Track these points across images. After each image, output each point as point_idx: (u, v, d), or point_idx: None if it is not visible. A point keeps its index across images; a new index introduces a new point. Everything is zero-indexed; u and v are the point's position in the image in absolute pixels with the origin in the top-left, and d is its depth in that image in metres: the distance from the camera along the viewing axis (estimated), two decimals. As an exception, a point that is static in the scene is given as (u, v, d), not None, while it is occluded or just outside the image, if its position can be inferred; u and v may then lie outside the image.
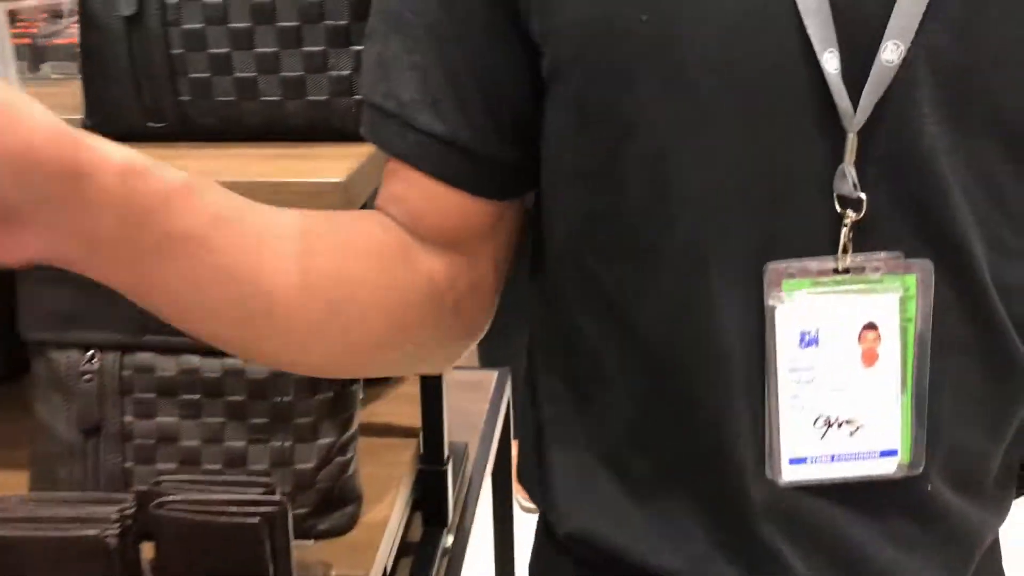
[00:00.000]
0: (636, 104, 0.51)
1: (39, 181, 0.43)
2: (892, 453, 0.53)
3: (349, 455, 0.85)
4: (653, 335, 0.55)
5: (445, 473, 1.00)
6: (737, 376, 0.54)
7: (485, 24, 0.55)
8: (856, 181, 0.49)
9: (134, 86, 0.78)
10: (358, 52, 0.76)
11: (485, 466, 1.20)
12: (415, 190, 0.58)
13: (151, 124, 0.80)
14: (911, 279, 0.50)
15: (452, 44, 0.56)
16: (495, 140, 0.57)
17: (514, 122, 0.57)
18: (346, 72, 0.77)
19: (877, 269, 0.50)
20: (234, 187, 0.68)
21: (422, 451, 1.00)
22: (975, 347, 0.54)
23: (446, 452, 1.01)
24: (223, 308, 0.54)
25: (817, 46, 0.48)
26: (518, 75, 0.56)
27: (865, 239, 0.50)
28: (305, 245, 0.56)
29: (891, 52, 0.48)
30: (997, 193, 0.51)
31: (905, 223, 0.50)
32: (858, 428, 0.53)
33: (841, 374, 0.52)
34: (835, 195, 0.50)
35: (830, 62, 0.48)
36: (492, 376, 1.32)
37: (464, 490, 1.12)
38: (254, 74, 0.77)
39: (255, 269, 0.53)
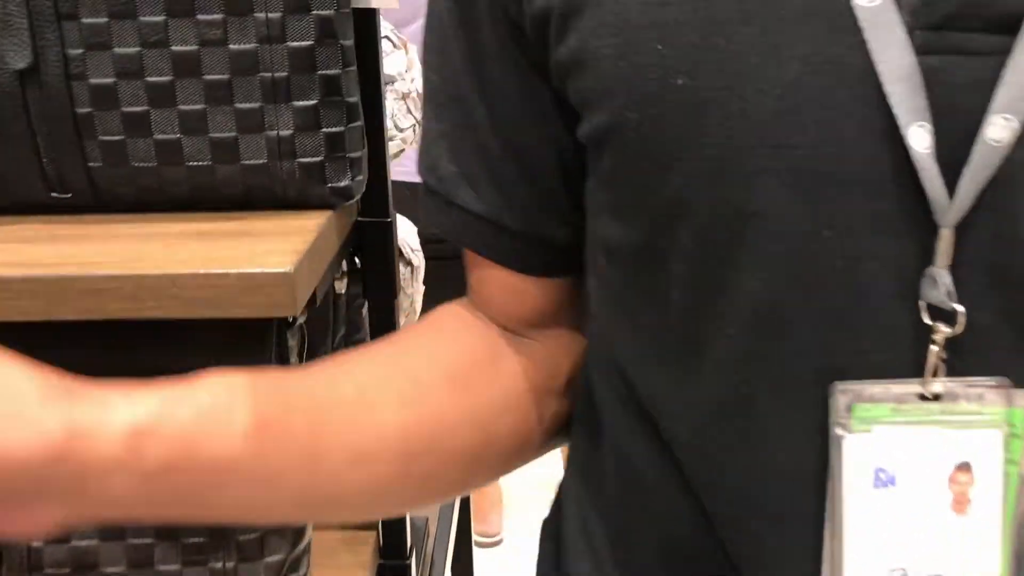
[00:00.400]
0: (676, 186, 0.42)
1: (30, 484, 0.38)
2: (983, 613, 0.44)
3: (302, 572, 0.73)
4: (694, 454, 0.46)
5: (408, 568, 0.89)
6: (794, 515, 0.44)
7: (518, 88, 0.48)
8: (951, 289, 0.39)
9: (33, 151, 0.66)
10: (301, 109, 0.65)
11: (447, 544, 1.09)
12: (475, 271, 0.54)
13: (55, 195, 0.67)
14: (1018, 413, 0.41)
15: (482, 114, 0.50)
16: (540, 217, 0.51)
17: (559, 197, 0.50)
18: (287, 132, 0.65)
19: (976, 398, 0.40)
20: (156, 281, 0.57)
21: (381, 544, 0.88)
22: None
23: (408, 543, 0.90)
24: (283, 507, 0.49)
25: (903, 118, 0.38)
26: (561, 144, 0.48)
27: (961, 360, 0.40)
28: (367, 412, 0.49)
29: (999, 129, 0.38)
30: None
31: (1012, 342, 0.41)
32: (943, 586, 0.43)
33: (925, 521, 0.42)
34: (923, 305, 0.40)
35: (920, 138, 0.38)
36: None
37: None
38: (177, 135, 0.65)
39: (313, 465, 0.47)
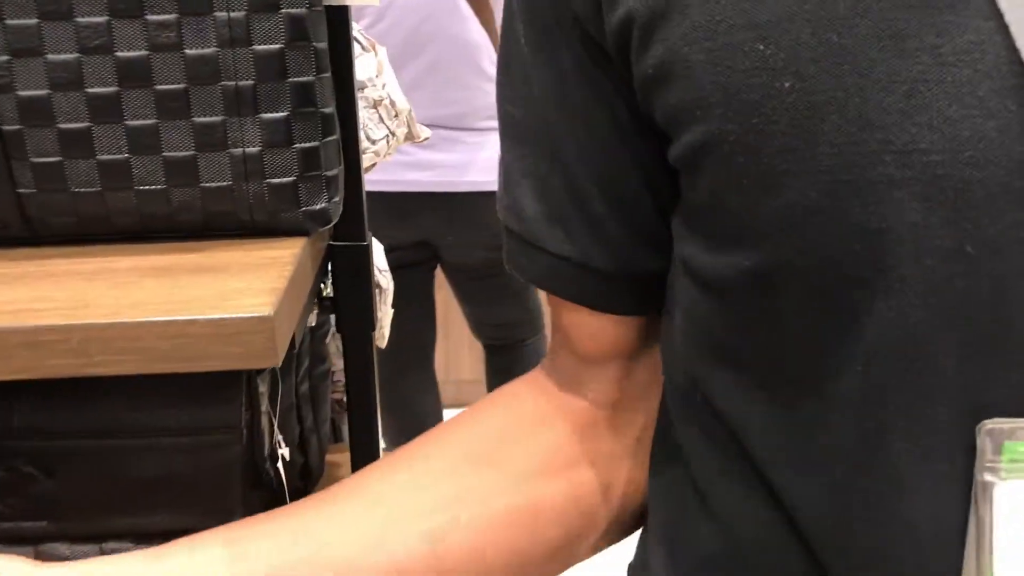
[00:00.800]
0: (789, 204, 0.36)
1: None
2: None
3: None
4: (808, 507, 0.40)
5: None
6: (932, 573, 0.38)
7: (603, 113, 0.44)
8: None
9: (-49, 176, 0.56)
10: (270, 122, 0.56)
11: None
12: (565, 315, 0.51)
13: (-21, 227, 0.58)
14: None
15: (568, 145, 0.46)
16: (633, 254, 0.47)
17: (652, 229, 0.47)
18: (254, 149, 0.57)
19: None
20: (107, 331, 0.48)
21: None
22: None
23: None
24: None
25: None
26: (652, 172, 0.44)
27: None
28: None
29: None
30: None
31: None
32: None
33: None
34: None
35: None
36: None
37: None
38: (125, 155, 0.56)
39: None
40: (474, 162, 1.77)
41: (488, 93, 1.53)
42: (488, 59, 1.75)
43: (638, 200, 0.45)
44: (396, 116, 0.73)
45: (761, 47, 0.35)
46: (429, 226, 1.83)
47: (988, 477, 0.36)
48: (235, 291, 0.51)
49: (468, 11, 1.71)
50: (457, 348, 2.78)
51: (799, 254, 0.37)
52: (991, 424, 0.36)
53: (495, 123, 0.52)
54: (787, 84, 0.35)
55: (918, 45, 0.34)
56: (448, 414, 3.14)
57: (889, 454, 0.38)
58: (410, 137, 0.75)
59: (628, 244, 0.47)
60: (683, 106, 0.38)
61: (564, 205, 0.46)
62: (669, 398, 0.48)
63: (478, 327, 2.08)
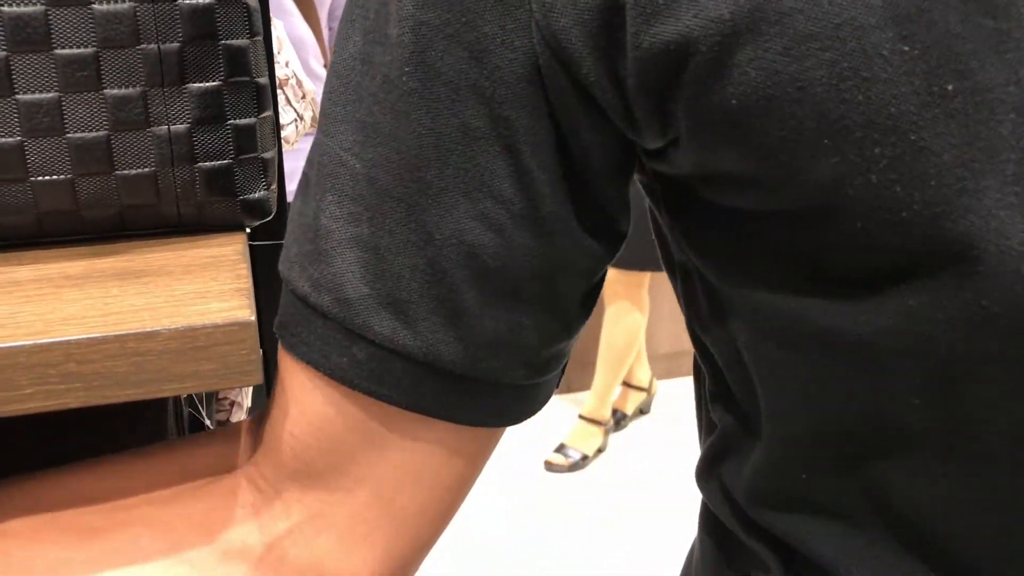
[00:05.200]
0: (962, 237, 0.30)
1: None
2: None
3: None
4: (963, 547, 0.35)
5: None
6: None
7: (552, 187, 0.36)
8: None
9: None
10: (200, 93, 0.47)
11: None
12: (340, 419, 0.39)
13: None
14: None
15: (452, 219, 0.36)
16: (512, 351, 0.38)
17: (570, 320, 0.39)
18: (181, 126, 0.47)
19: None
20: (41, 354, 0.37)
21: None
22: None
23: None
24: None
25: None
26: (592, 253, 0.37)
27: None
28: None
29: None
30: None
31: None
32: None
33: None
34: None
35: None
36: None
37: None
38: (17, 138, 0.45)
39: None
40: None
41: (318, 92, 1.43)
42: (314, 56, 1.65)
43: (557, 290, 0.37)
44: (304, 98, 0.64)
45: (906, 48, 0.29)
46: None
47: None
48: (192, 295, 0.41)
49: (292, 6, 1.61)
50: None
51: (988, 285, 0.30)
52: None
53: None
54: (949, 87, 0.29)
55: None
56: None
57: None
58: (317, 122, 0.67)
59: (506, 342, 0.38)
60: (796, 140, 0.30)
61: (420, 290, 0.36)
62: (780, 463, 0.40)
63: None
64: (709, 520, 0.45)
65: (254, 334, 0.39)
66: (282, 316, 0.40)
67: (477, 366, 0.38)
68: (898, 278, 0.31)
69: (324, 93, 0.40)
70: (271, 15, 0.69)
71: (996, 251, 0.29)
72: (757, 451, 0.39)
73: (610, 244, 0.38)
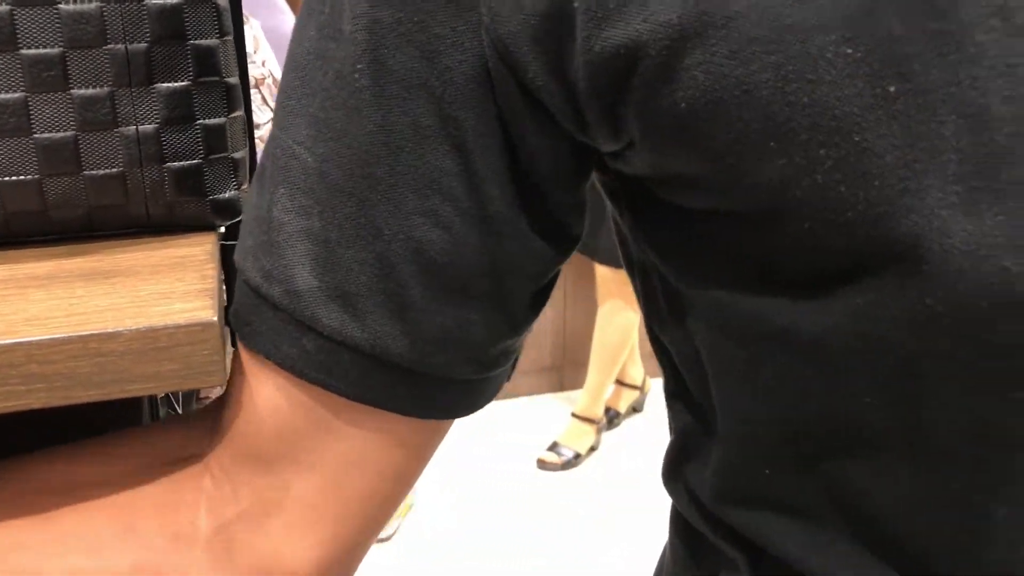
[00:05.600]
0: (910, 228, 0.30)
1: None
2: None
3: None
4: (922, 542, 0.35)
5: None
6: None
7: (499, 187, 0.36)
8: None
9: None
10: (169, 93, 0.47)
11: None
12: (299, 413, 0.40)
13: None
14: None
15: (400, 214, 0.36)
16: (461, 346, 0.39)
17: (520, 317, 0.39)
18: (149, 126, 0.47)
19: None
20: (3, 355, 0.37)
21: None
22: None
23: None
24: None
25: None
26: (542, 254, 0.38)
27: None
28: None
29: None
30: None
31: None
32: None
33: None
34: None
35: None
36: None
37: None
38: (-17, 139, 0.45)
39: None
40: None
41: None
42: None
43: (506, 289, 0.38)
44: (280, 96, 0.64)
45: (850, 50, 0.29)
46: None
47: None
48: (155, 296, 0.41)
49: (284, 4, 1.61)
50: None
51: (933, 284, 0.30)
52: None
53: None
54: (892, 89, 0.29)
55: None
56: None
57: (996, 493, 0.33)
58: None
59: (454, 337, 0.38)
60: (744, 142, 0.31)
61: (371, 283, 0.37)
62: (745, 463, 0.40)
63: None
64: (678, 521, 0.45)
65: (216, 334, 0.39)
66: (236, 305, 0.41)
67: (424, 360, 0.38)
68: (845, 278, 0.31)
69: (280, 87, 0.40)
70: (246, 13, 0.69)
71: (939, 250, 0.29)
72: (717, 451, 0.39)
73: (561, 247, 0.38)
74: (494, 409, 3.12)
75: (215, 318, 0.39)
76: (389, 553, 2.45)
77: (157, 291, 0.42)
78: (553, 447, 2.95)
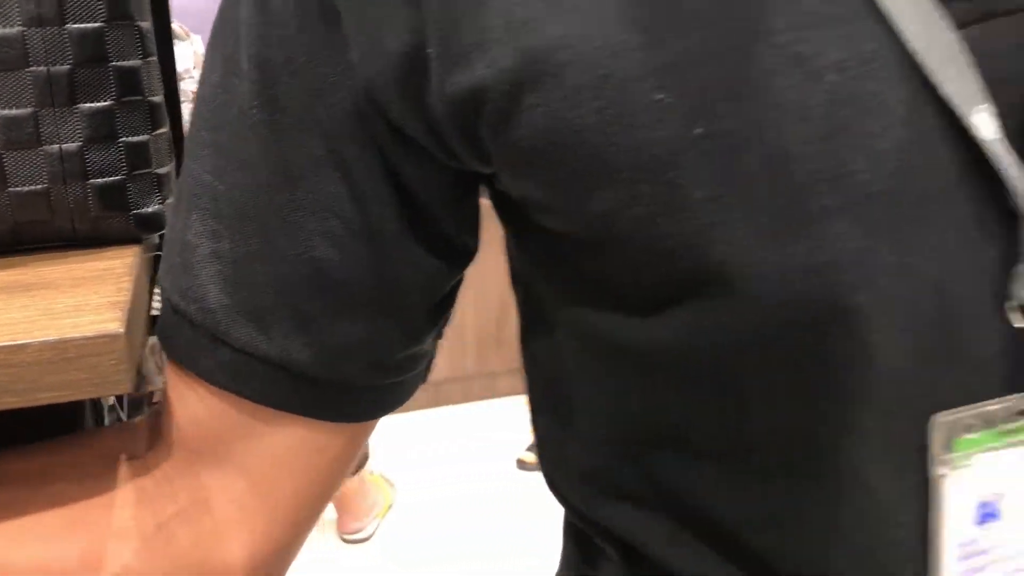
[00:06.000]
0: (723, 257, 0.33)
1: None
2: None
3: None
4: (755, 537, 0.37)
5: None
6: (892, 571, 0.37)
7: (400, 202, 0.38)
8: None
9: None
10: (91, 113, 0.49)
11: None
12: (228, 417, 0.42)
13: None
14: None
15: (298, 237, 0.39)
16: (381, 349, 0.41)
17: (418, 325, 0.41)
18: (72, 145, 0.49)
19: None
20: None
21: None
22: None
23: None
24: None
25: (961, 107, 0.32)
26: (430, 267, 0.40)
27: None
28: None
29: None
30: None
31: None
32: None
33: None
34: (1012, 306, 0.33)
35: (985, 125, 0.32)
36: None
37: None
38: (-90, 158, 0.47)
39: None
40: None
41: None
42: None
43: (401, 303, 0.40)
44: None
45: (662, 96, 0.32)
46: None
47: (940, 471, 0.34)
48: (68, 308, 0.43)
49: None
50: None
51: (744, 306, 0.33)
52: (943, 417, 0.34)
53: None
54: (698, 131, 0.31)
55: (824, 63, 0.32)
56: (430, 414, 3.00)
57: (839, 459, 0.35)
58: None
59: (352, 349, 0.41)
60: (577, 176, 0.33)
61: (274, 301, 0.40)
62: (593, 443, 0.42)
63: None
64: (566, 518, 0.47)
65: (123, 345, 0.41)
66: (160, 321, 0.44)
67: (329, 369, 0.41)
68: (670, 300, 0.34)
69: (191, 118, 0.42)
70: (187, 30, 0.71)
71: (749, 275, 0.32)
72: (579, 456, 0.42)
73: (454, 263, 0.41)
74: (473, 409, 3.14)
75: (122, 330, 0.41)
76: (368, 554, 2.48)
77: (72, 304, 0.44)
78: (533, 447, 2.97)
